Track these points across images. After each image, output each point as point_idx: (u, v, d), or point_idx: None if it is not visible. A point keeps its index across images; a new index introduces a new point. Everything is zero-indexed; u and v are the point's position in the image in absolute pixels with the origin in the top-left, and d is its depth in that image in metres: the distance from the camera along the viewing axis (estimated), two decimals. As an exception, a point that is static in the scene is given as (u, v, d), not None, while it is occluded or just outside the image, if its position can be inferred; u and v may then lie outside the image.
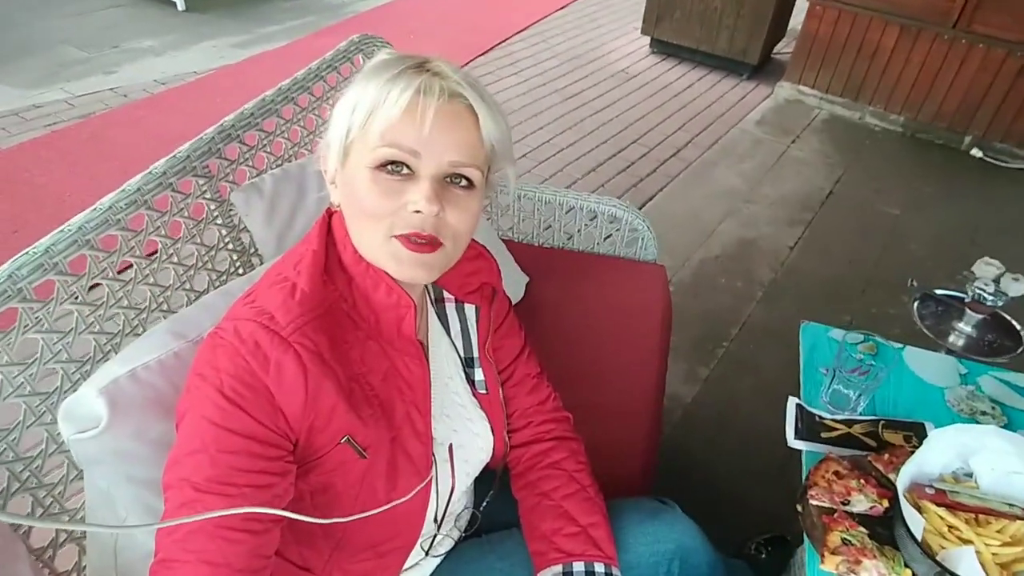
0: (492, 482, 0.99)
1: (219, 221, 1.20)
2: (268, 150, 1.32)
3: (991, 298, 1.36)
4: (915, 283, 1.51)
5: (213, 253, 1.18)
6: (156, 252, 1.08)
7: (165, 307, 1.08)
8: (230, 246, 1.23)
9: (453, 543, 0.98)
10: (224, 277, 1.21)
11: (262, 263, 1.25)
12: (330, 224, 0.81)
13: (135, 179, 1.02)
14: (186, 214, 1.12)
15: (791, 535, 1.51)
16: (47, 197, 2.59)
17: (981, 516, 0.89)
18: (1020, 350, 1.38)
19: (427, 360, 0.85)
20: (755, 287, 2.57)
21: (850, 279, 2.64)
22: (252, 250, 1.27)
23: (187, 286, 1.13)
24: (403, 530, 0.84)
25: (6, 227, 2.44)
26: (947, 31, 3.53)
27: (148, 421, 0.81)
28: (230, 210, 1.22)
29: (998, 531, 0.87)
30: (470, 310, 0.93)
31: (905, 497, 0.90)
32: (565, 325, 1.58)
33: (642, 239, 1.74)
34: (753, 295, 2.52)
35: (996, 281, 1.36)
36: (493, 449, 0.95)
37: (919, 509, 0.90)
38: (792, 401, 1.16)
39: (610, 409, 1.36)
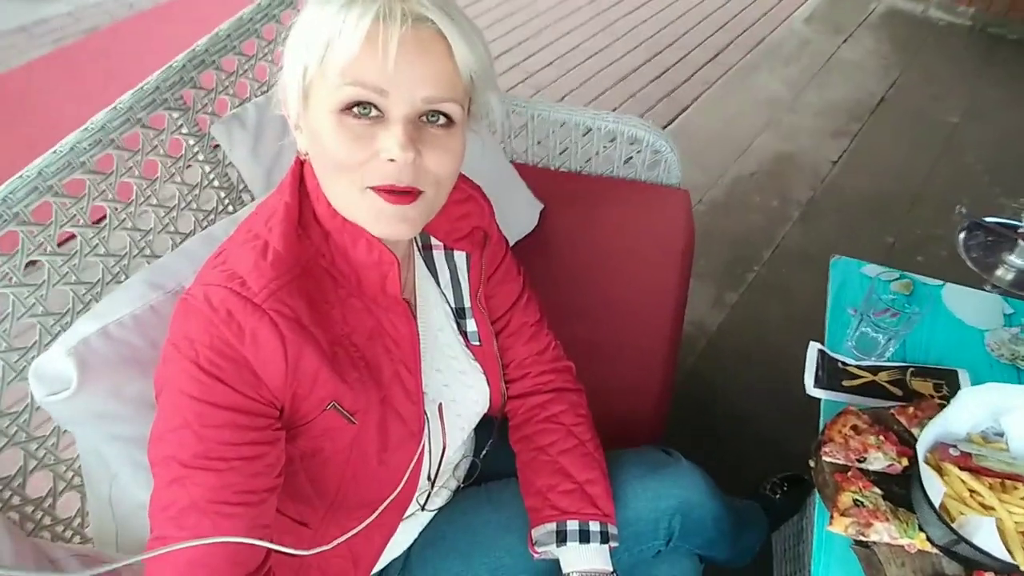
0: (492, 429, 0.96)
1: (200, 157, 1.13)
2: (251, 75, 1.22)
3: (1049, 226, 1.23)
4: (963, 210, 1.37)
5: (197, 192, 1.12)
6: (132, 196, 1.03)
7: (148, 252, 1.04)
8: (215, 183, 1.17)
9: (450, 494, 0.96)
10: (212, 216, 1.16)
11: (253, 199, 1.19)
12: (302, 173, 0.74)
13: (99, 116, 0.95)
14: (162, 152, 1.05)
15: (808, 474, 1.46)
16: (56, 120, 2.56)
17: (1008, 481, 0.82)
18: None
19: (414, 316, 0.80)
20: (792, 206, 2.42)
21: (897, 195, 2.45)
22: (241, 186, 1.21)
23: (171, 228, 1.08)
24: (394, 490, 0.81)
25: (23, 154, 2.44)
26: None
27: (124, 380, 0.78)
28: (213, 145, 1.14)
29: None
30: (460, 257, 0.87)
31: (927, 458, 0.83)
32: (580, 255, 1.51)
33: (665, 161, 1.62)
34: (789, 215, 2.38)
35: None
36: (490, 401, 0.91)
37: (940, 471, 0.84)
38: (813, 346, 1.09)
39: (622, 347, 1.30)
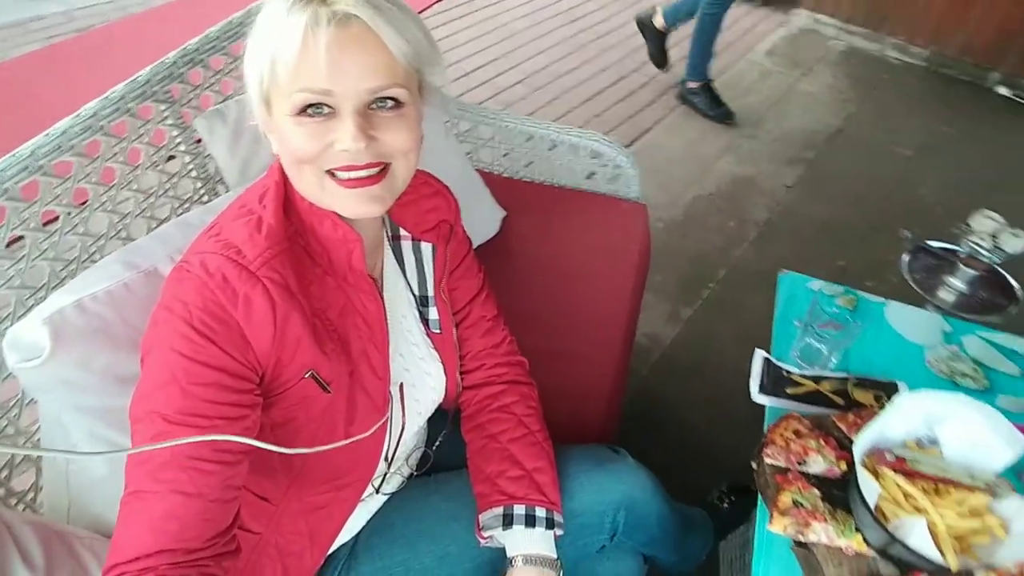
0: (445, 422, 0.98)
1: (182, 148, 1.18)
2: (235, 74, 1.26)
3: (987, 254, 1.28)
4: (908, 233, 1.42)
5: (176, 180, 1.17)
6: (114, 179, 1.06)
7: (124, 235, 1.07)
8: (193, 173, 1.22)
9: (403, 481, 0.97)
10: (188, 205, 1.20)
11: (227, 191, 1.21)
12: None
13: (91, 104, 0.99)
14: (146, 140, 1.10)
15: (754, 484, 1.48)
16: (42, 111, 2.57)
17: (941, 486, 0.84)
18: (1013, 308, 1.31)
19: (382, 296, 0.83)
20: (748, 227, 2.47)
21: (850, 223, 2.52)
22: (217, 178, 1.25)
23: (148, 214, 1.12)
24: (360, 465, 0.84)
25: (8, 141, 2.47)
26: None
27: (94, 351, 0.81)
28: (194, 137, 1.19)
29: (957, 502, 0.82)
30: (426, 248, 0.90)
31: (863, 462, 0.85)
32: (538, 262, 1.52)
33: (625, 176, 1.65)
34: (745, 236, 2.43)
35: (994, 236, 1.27)
36: (445, 390, 0.94)
37: (877, 475, 0.86)
38: (759, 354, 1.11)
39: (576, 352, 1.31)
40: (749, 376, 1.09)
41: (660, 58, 3.20)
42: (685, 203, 2.55)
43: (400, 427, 0.87)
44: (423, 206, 0.89)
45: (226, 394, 0.67)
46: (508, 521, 0.85)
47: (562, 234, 1.58)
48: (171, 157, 1.17)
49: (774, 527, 0.86)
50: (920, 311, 1.23)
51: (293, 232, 0.74)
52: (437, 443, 0.97)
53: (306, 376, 0.73)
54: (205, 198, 1.24)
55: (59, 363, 0.78)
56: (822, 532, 0.84)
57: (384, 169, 0.70)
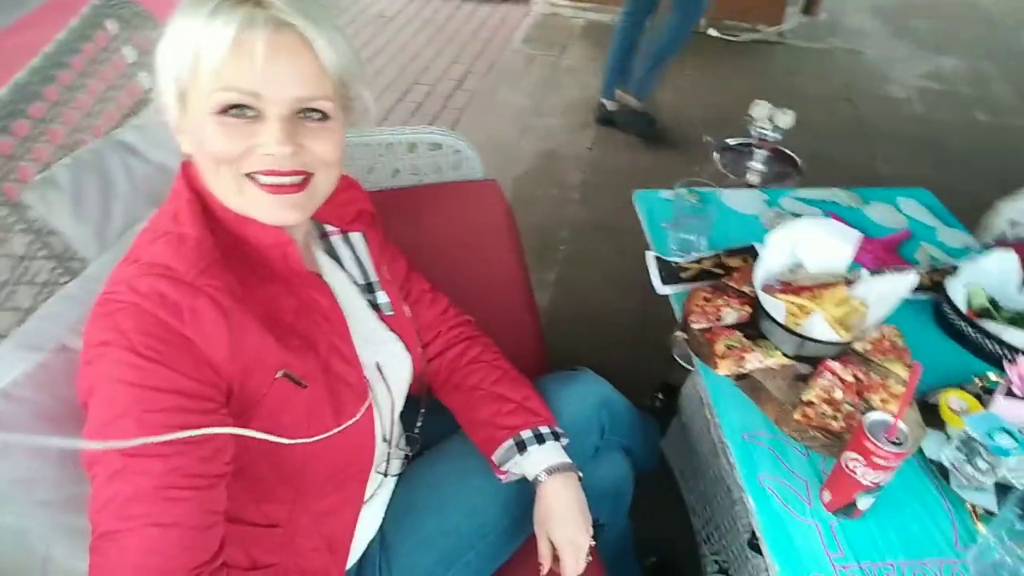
0: (420, 404, 1.01)
1: (20, 227, 1.03)
2: (45, 139, 1.13)
3: (771, 134, 1.60)
4: (710, 138, 1.72)
5: (27, 264, 1.03)
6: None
7: None
8: (41, 253, 1.07)
9: (403, 462, 0.99)
10: (51, 287, 1.05)
11: (85, 266, 1.11)
12: (189, 175, 0.76)
13: None
14: None
15: (672, 379, 1.70)
16: None
17: (817, 291, 1.08)
18: (799, 172, 1.65)
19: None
20: (570, 190, 2.74)
21: (649, 160, 2.91)
22: (68, 255, 1.11)
23: (7, 305, 0.98)
24: (357, 455, 0.84)
25: None
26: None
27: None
28: (29, 213, 1.05)
29: (830, 298, 1.07)
30: (356, 237, 0.93)
31: (764, 292, 1.06)
32: (421, 261, 1.58)
33: (467, 159, 1.78)
34: (571, 198, 2.70)
35: (770, 118, 1.60)
36: (412, 368, 0.96)
37: (774, 302, 1.08)
38: (650, 255, 1.30)
39: (492, 326, 1.40)
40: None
41: (652, 130, 3.04)
42: (507, 187, 2.72)
43: (390, 405, 0.90)
44: (340, 200, 0.88)
45: (187, 417, 0.64)
46: (521, 447, 0.91)
47: (431, 230, 1.65)
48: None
49: (720, 370, 1.04)
50: (743, 191, 1.52)
51: (223, 244, 0.72)
52: (419, 424, 1.00)
53: (279, 376, 0.71)
54: (64, 278, 1.08)
55: (9, 461, 0.70)
56: (754, 360, 1.04)
57: (307, 179, 0.71)
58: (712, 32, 4.16)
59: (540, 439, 0.92)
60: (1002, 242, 1.41)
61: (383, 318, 0.93)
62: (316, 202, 0.75)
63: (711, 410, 1.03)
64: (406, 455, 1.00)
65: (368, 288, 0.93)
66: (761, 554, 1.06)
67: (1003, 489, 0.89)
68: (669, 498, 1.54)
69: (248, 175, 0.69)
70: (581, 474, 0.93)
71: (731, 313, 1.11)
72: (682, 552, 1.46)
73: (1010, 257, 1.21)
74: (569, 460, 0.93)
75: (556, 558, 0.90)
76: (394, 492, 0.97)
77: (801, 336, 1.01)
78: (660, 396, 1.61)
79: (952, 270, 1.22)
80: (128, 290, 0.64)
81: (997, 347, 1.07)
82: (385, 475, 0.94)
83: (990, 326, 1.10)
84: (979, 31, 4.49)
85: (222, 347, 0.66)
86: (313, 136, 0.70)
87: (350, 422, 0.78)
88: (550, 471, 0.90)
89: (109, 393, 0.63)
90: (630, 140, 3.04)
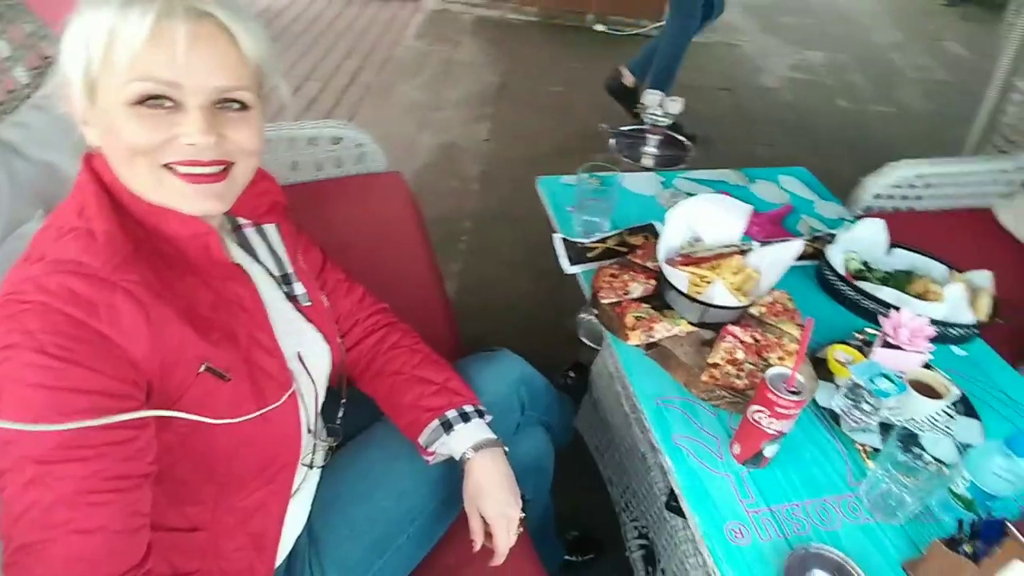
0: (340, 395, 0.99)
1: None
2: None
3: (662, 119, 1.68)
4: (605, 126, 1.78)
5: None
6: None
7: None
8: None
9: (327, 453, 0.97)
10: None
11: None
12: (95, 168, 0.72)
13: None
14: None
15: (581, 359, 1.75)
16: None
17: (715, 262, 1.15)
18: (690, 155, 1.74)
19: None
20: (470, 182, 2.75)
21: (544, 149, 2.97)
22: None
23: None
24: (284, 446, 0.82)
25: None
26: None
27: None
28: None
29: (728, 267, 1.14)
30: (270, 229, 0.91)
31: (667, 265, 1.12)
32: (336, 255, 1.55)
33: (369, 152, 1.75)
34: (470, 189, 2.71)
35: (661, 105, 1.68)
36: (331, 358, 0.94)
37: (676, 275, 1.14)
38: (557, 237, 1.33)
39: (405, 315, 1.39)
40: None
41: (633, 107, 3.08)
42: (408, 180, 2.72)
43: (314, 395, 0.88)
44: (253, 191, 0.86)
45: (108, 416, 0.61)
46: (448, 426, 0.92)
47: (338, 224, 1.61)
48: None
49: (631, 341, 1.09)
50: (640, 174, 1.58)
51: (134, 237, 0.68)
52: (340, 415, 0.98)
53: (202, 370, 0.69)
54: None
55: None
56: (662, 329, 1.09)
57: (226, 169, 0.71)
58: (598, 27, 4.31)
59: (465, 417, 0.93)
60: (869, 213, 1.55)
61: (300, 309, 0.91)
62: (236, 191, 0.74)
63: (624, 379, 1.08)
64: (330, 447, 0.98)
65: (285, 279, 0.91)
66: (679, 514, 1.13)
67: (885, 428, 0.99)
68: (585, 473, 1.59)
69: (166, 166, 0.68)
70: (507, 449, 0.95)
71: (637, 287, 1.16)
72: (603, 524, 1.51)
73: (878, 225, 1.34)
74: (495, 436, 0.94)
75: (488, 534, 0.91)
76: (319, 484, 0.95)
77: (704, 303, 1.07)
78: (571, 374, 1.65)
79: (830, 238, 1.33)
80: (35, 289, 0.61)
81: (873, 304, 1.18)
82: (310, 467, 0.92)
83: (866, 286, 1.21)
84: (838, 28, 4.91)
85: (142, 343, 0.63)
86: (234, 126, 0.70)
87: (275, 405, 0.76)
88: (477, 448, 0.91)
89: (19, 398, 0.59)
90: (523, 131, 3.10)
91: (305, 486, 0.93)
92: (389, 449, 0.97)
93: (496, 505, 0.89)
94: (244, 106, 0.70)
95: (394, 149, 2.88)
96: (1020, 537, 0.70)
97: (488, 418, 0.96)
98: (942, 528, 0.89)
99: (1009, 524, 0.73)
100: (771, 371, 0.88)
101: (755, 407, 0.88)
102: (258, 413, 0.75)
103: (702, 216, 1.19)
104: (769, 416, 0.87)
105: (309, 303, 0.92)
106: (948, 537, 0.82)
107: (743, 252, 1.16)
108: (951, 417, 1.02)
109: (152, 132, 0.65)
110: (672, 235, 1.17)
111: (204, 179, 0.69)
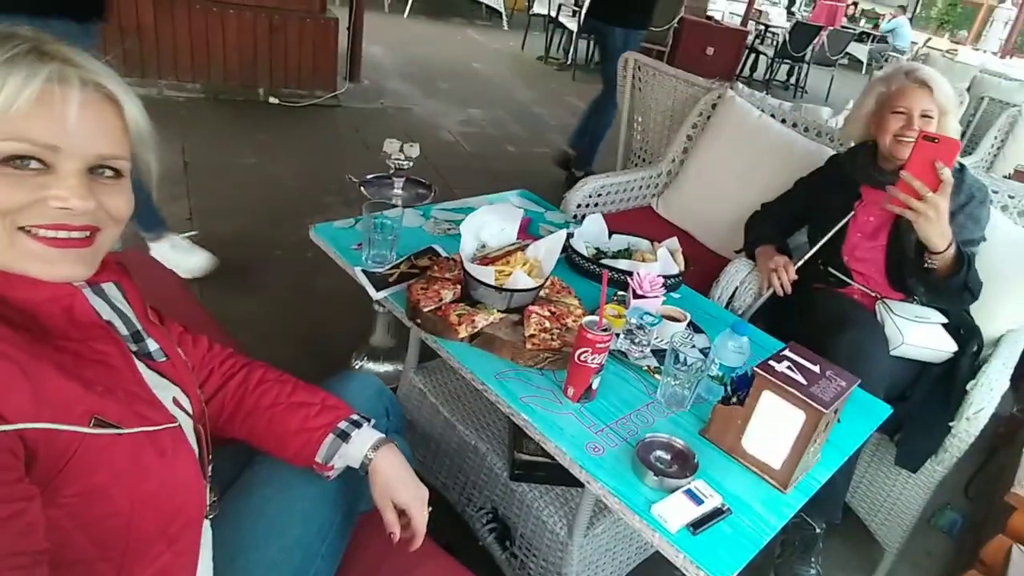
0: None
1: None
2: None
3: (404, 163, 1.90)
4: (352, 177, 1.92)
5: None
6: None
7: None
8: None
9: (216, 502, 0.93)
10: None
11: None
12: None
13: None
14: None
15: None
16: None
17: (507, 258, 1.39)
18: (433, 192, 1.99)
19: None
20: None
21: (263, 220, 2.95)
22: None
23: None
24: (187, 498, 0.80)
25: None
26: (197, 1, 3.96)
27: None
28: None
29: (517, 260, 1.39)
30: (110, 288, 0.85)
31: (474, 266, 1.32)
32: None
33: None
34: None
35: (401, 150, 1.89)
36: (193, 412, 0.92)
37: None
38: (357, 269, 1.45)
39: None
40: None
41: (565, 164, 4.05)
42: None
43: (204, 438, 0.87)
44: None
45: None
46: (344, 436, 0.96)
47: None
48: None
49: (460, 335, 1.26)
50: (410, 212, 1.77)
51: None
52: (209, 468, 0.94)
53: (92, 426, 0.65)
54: None
55: None
56: (481, 320, 1.29)
57: (92, 235, 0.71)
58: (272, 100, 4.38)
59: (357, 424, 0.99)
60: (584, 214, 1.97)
61: (157, 367, 0.87)
62: (99, 258, 0.74)
63: (464, 370, 1.24)
64: (214, 500, 0.95)
65: (136, 337, 0.86)
66: (524, 479, 1.34)
67: (655, 353, 1.33)
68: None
69: (23, 228, 0.66)
70: (395, 443, 1.03)
71: (448, 293, 1.35)
72: (448, 523, 1.61)
73: (599, 220, 1.74)
74: (383, 434, 1.02)
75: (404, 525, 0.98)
76: (215, 533, 0.91)
77: (510, 290, 1.30)
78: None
79: (570, 236, 1.69)
80: None
81: (617, 274, 1.55)
82: (207, 517, 0.89)
83: (606, 262, 1.57)
84: (487, 89, 5.81)
85: (24, 400, 0.60)
86: (107, 193, 0.71)
87: (170, 452, 0.75)
88: (375, 446, 0.98)
89: None
90: (246, 209, 3.04)
91: (203, 542, 0.89)
92: (279, 481, 0.98)
93: (408, 491, 0.98)
94: (118, 174, 0.73)
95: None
96: (761, 374, 1.05)
97: (372, 422, 1.04)
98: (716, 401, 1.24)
99: (755, 369, 1.07)
100: (585, 319, 1.14)
101: (580, 350, 1.13)
102: (159, 461, 0.73)
103: (486, 225, 1.43)
104: (592, 353, 1.12)
105: (166, 359, 0.89)
106: (721, 400, 1.16)
107: (523, 248, 1.43)
108: (689, 334, 1.41)
109: (16, 192, 0.65)
110: (467, 244, 1.38)
111: (70, 244, 0.69)
